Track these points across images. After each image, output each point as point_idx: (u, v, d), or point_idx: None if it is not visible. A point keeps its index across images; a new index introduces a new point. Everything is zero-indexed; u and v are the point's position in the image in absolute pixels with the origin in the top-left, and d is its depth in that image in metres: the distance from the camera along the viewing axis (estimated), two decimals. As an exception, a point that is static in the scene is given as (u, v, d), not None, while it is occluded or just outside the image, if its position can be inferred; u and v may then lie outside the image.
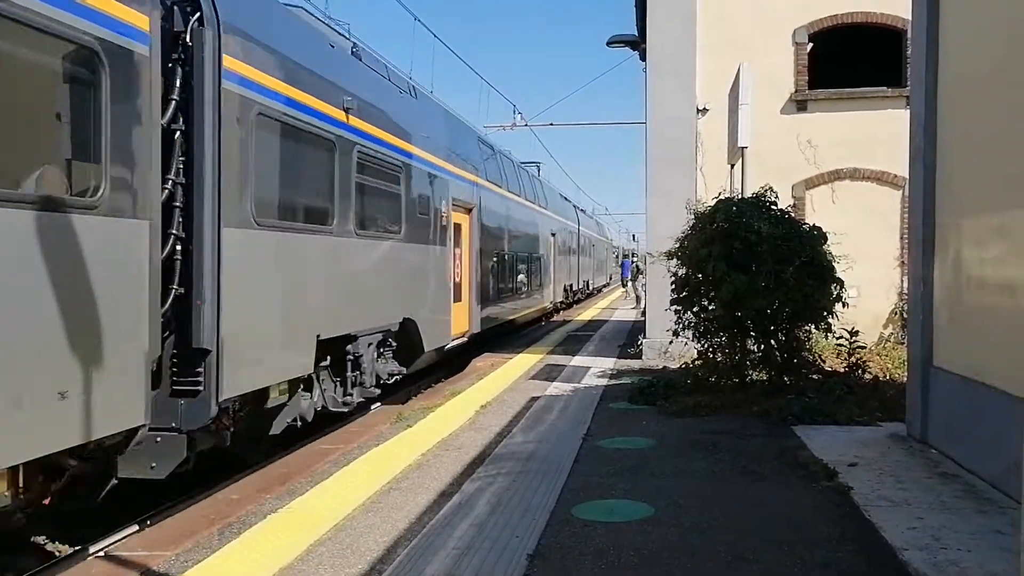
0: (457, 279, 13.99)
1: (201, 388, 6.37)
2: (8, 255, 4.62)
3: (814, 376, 9.77)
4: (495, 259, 16.84)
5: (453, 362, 14.74)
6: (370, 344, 10.00)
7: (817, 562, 4.52)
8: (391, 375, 10.75)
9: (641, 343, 14.09)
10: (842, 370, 10.10)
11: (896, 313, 13.50)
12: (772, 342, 9.81)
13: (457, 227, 14.03)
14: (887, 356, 12.10)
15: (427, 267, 12.09)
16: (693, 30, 13.82)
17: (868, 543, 4.82)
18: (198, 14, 6.41)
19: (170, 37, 6.29)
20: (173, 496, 6.96)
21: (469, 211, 14.89)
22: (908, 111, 8.02)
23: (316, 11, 10.33)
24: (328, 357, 8.93)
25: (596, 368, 12.87)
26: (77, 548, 6.11)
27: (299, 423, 8.45)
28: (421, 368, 12.72)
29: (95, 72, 5.33)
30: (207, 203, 6.43)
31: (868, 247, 12.61)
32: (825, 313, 9.60)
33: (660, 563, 4.53)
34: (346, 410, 9.51)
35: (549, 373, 12.42)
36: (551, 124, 33.48)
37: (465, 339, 14.64)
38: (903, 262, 12.93)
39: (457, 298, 13.90)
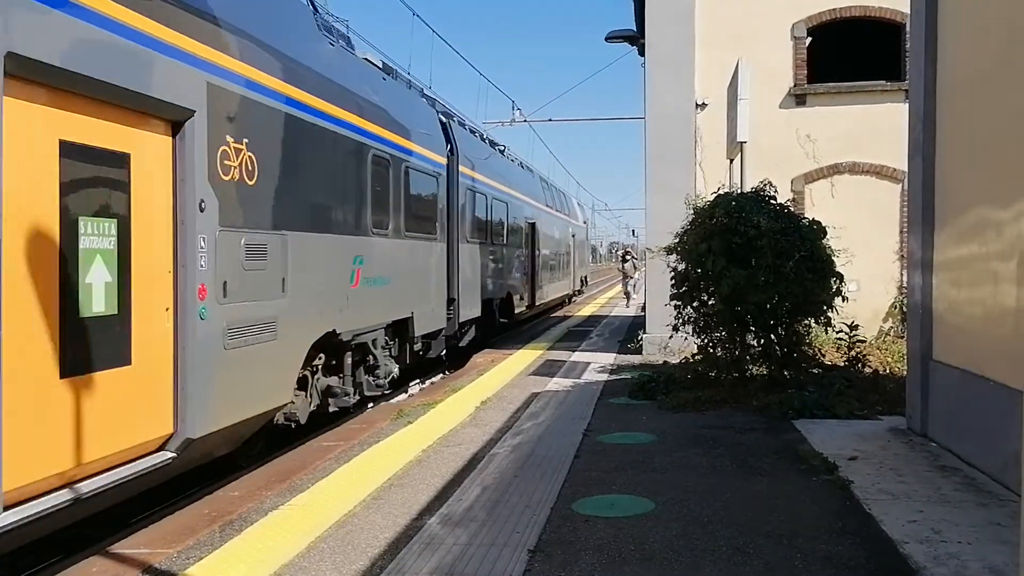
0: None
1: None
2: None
3: (814, 370, 9.78)
4: None
5: (453, 358, 14.77)
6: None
7: (818, 556, 4.53)
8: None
9: (641, 338, 14.10)
10: (842, 364, 10.11)
11: (896, 307, 13.52)
12: (772, 336, 9.81)
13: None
14: (887, 350, 12.11)
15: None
16: (691, 25, 13.81)
17: (869, 536, 4.83)
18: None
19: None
20: (174, 494, 6.96)
21: None
22: (907, 105, 8.01)
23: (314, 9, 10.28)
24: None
25: (596, 363, 12.88)
26: (77, 546, 6.12)
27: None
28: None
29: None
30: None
31: (867, 241, 12.63)
32: (825, 307, 9.61)
33: (661, 558, 4.54)
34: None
35: (549, 369, 12.42)
36: (550, 120, 33.45)
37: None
38: (902, 256, 12.94)
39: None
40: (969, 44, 6.69)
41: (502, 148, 20.79)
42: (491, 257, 17.19)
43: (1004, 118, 5.87)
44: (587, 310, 27.72)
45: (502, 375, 11.84)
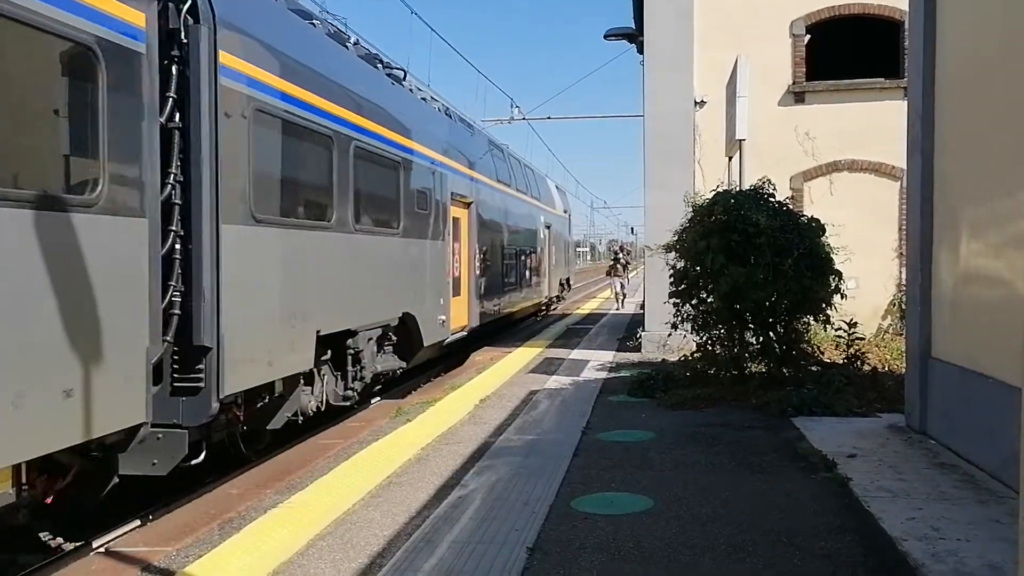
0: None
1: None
2: None
3: (813, 368, 9.78)
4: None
5: (452, 356, 14.75)
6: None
7: (817, 553, 4.53)
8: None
9: (640, 336, 14.10)
10: (841, 362, 10.11)
11: (894, 304, 13.52)
12: (771, 334, 9.82)
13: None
14: (886, 347, 12.12)
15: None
16: (690, 23, 13.80)
17: (867, 534, 4.83)
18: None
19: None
20: (173, 492, 6.97)
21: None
22: (906, 102, 8.01)
23: (314, 7, 10.06)
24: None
25: (595, 361, 12.88)
26: (78, 544, 6.13)
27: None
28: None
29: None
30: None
31: (866, 239, 12.62)
32: (824, 305, 9.61)
33: (660, 555, 4.54)
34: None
35: (548, 366, 12.42)
36: (548, 118, 33.34)
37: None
38: (901, 253, 12.94)
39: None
40: (968, 41, 6.68)
41: (400, 72, 12.56)
42: (343, 252, 9.22)
43: (1003, 115, 5.86)
44: (586, 308, 27.71)
45: (501, 373, 11.84)
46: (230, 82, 6.80)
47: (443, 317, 13.05)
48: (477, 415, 8.74)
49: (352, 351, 9.58)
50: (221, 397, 6.53)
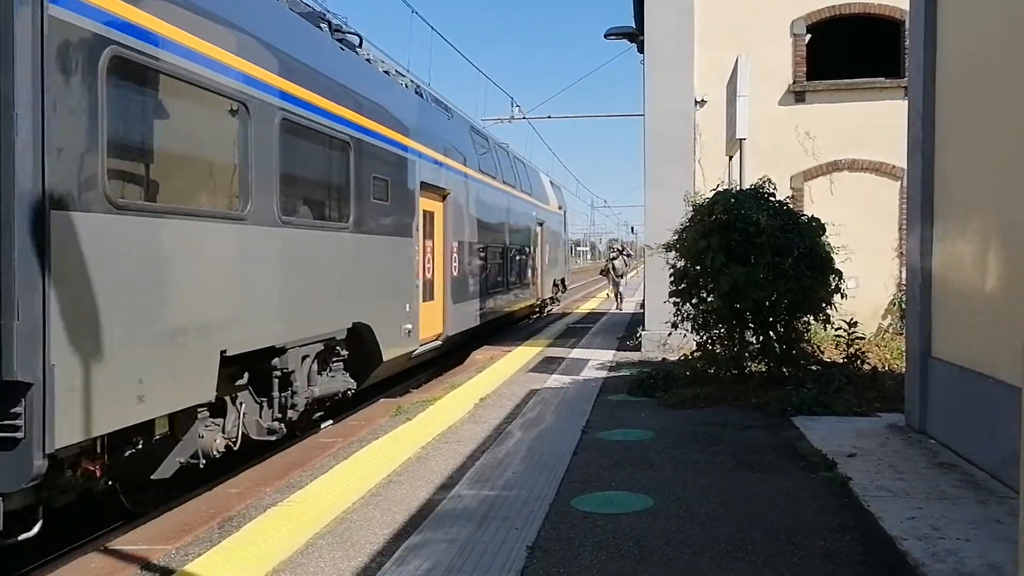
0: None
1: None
2: None
3: (813, 367, 9.77)
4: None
5: (452, 355, 14.73)
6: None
7: (816, 552, 4.53)
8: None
9: (640, 335, 14.10)
10: (841, 361, 10.10)
11: (895, 304, 13.52)
12: (771, 333, 9.82)
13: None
14: (886, 347, 12.12)
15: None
16: (691, 22, 13.80)
17: (867, 533, 4.83)
18: None
19: None
20: (173, 491, 6.96)
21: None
22: (906, 102, 8.00)
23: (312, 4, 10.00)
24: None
25: (595, 360, 12.88)
26: (77, 543, 6.12)
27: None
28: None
29: None
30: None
31: (866, 238, 12.61)
32: (824, 304, 9.61)
33: (659, 554, 4.54)
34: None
35: (548, 365, 12.42)
36: (549, 117, 33.31)
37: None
38: (901, 253, 12.95)
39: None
40: (968, 41, 6.68)
41: (355, 37, 10.85)
42: (263, 250, 7.47)
43: (1003, 115, 5.86)
44: (586, 307, 27.71)
45: (501, 372, 11.84)
46: (69, 14, 5.01)
47: (409, 326, 11.29)
48: (477, 414, 8.74)
49: (279, 373, 7.78)
50: (52, 450, 4.80)
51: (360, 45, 10.95)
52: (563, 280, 29.32)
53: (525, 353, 14.05)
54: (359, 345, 9.74)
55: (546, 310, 25.64)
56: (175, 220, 6.08)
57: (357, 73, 10.22)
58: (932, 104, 7.22)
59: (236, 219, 6.94)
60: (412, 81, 13.68)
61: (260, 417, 7.69)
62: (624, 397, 9.55)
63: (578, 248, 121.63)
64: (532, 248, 22.09)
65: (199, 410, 6.67)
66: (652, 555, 4.53)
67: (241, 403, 7.35)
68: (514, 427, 7.98)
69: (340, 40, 10.05)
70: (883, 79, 13.81)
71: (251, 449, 7.65)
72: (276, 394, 7.81)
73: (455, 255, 13.99)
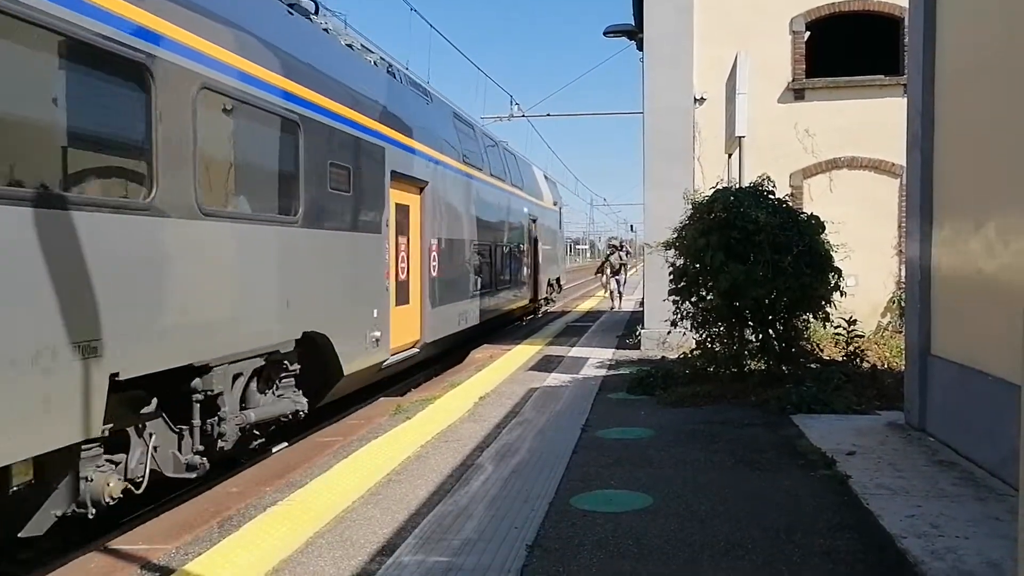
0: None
1: None
2: None
3: (812, 365, 9.77)
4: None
5: (452, 354, 14.72)
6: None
7: (816, 550, 4.53)
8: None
9: (639, 333, 14.10)
10: (840, 359, 10.11)
11: (894, 302, 13.52)
12: (770, 331, 9.82)
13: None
14: (885, 345, 12.13)
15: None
16: (690, 19, 13.79)
17: (867, 531, 4.83)
18: None
19: None
20: (173, 490, 6.96)
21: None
22: (906, 99, 8.00)
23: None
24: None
25: (595, 359, 12.88)
26: (77, 542, 6.12)
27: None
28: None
29: None
30: None
31: (866, 236, 12.62)
32: (823, 302, 9.61)
33: (659, 553, 4.54)
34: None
35: (548, 364, 12.42)
36: (548, 115, 33.38)
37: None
38: (901, 250, 12.95)
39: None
40: (968, 38, 6.68)
41: (310, 2, 9.94)
42: (174, 248, 6.24)
43: (1003, 112, 5.86)
44: (585, 306, 27.71)
45: (500, 370, 11.84)
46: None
47: (377, 334, 10.02)
48: (477, 413, 8.75)
49: (201, 396, 6.60)
50: None
51: (316, 12, 9.84)
52: (558, 279, 28.19)
53: (525, 352, 14.05)
54: (315, 358, 8.51)
55: (540, 311, 24.50)
56: (39, 211, 4.78)
57: (309, 42, 8.96)
58: (931, 102, 7.21)
59: (133, 210, 5.71)
60: (383, 59, 12.00)
61: (179, 450, 6.52)
62: (623, 395, 9.55)
63: (577, 247, 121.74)
64: (524, 246, 20.85)
65: (83, 448, 5.42)
66: (651, 553, 4.53)
67: (151, 434, 6.17)
68: (514, 425, 7.98)
69: (291, 5, 8.92)
70: (882, 77, 13.81)
71: (177, 483, 6.61)
72: (197, 422, 6.60)
73: (434, 253, 12.65)
